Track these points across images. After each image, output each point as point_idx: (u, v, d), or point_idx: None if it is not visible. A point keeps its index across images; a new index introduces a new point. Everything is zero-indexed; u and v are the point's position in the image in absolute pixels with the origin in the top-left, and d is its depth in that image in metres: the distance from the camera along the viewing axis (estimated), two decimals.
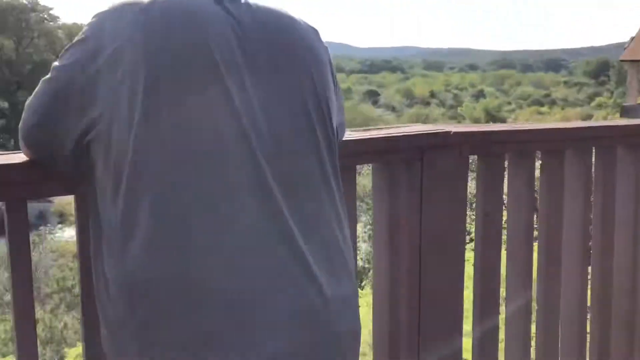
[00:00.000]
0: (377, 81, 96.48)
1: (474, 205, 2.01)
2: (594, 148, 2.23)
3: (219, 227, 1.00)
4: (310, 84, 1.15)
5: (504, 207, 1.99)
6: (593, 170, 2.27)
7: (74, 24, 48.79)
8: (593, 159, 2.26)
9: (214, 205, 1.01)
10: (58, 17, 48.97)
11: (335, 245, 1.14)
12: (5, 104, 42.89)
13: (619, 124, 2.30)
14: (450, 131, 1.75)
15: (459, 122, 62.81)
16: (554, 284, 2.13)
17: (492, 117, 60.75)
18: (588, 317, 2.33)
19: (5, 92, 42.72)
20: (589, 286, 2.29)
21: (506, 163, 2.05)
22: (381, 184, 1.70)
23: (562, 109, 63.65)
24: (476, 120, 60.10)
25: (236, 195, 1.02)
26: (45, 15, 48.07)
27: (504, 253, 2.06)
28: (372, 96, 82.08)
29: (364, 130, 1.68)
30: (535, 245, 2.13)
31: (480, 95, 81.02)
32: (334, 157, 1.19)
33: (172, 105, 1.01)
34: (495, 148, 1.91)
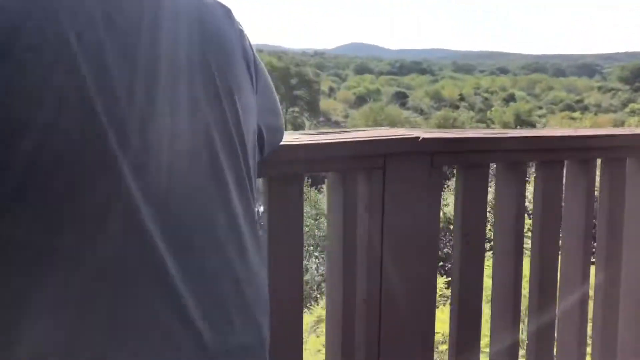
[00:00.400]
0: (406, 83, 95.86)
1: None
2: (599, 160, 1.96)
3: (61, 262, 0.77)
4: (207, 78, 0.91)
5: (487, 227, 1.73)
6: (598, 184, 2.00)
7: None
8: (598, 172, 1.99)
9: (55, 231, 0.77)
10: None
11: (232, 282, 0.90)
12: None
13: (629, 133, 2.01)
14: (419, 136, 1.49)
15: (488, 126, 61.92)
16: (548, 314, 1.86)
17: (522, 122, 59.70)
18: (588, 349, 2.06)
19: None
20: (591, 316, 2.01)
21: (491, 175, 1.80)
22: (336, 196, 1.46)
23: (595, 114, 62.28)
24: (506, 125, 59.10)
25: (83, 219, 0.78)
26: None
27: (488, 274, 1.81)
28: (401, 98, 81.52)
29: (317, 133, 1.44)
30: (526, 268, 1.86)
31: (510, 99, 79.82)
32: (241, 169, 0.95)
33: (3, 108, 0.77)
34: (476, 157, 1.65)
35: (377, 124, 54.95)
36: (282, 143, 1.29)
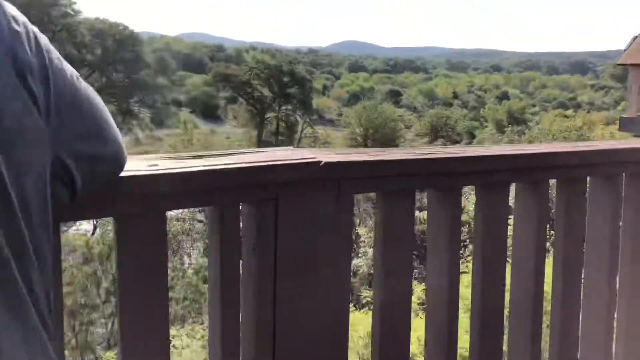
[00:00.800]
0: (400, 81, 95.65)
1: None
2: (555, 180, 1.70)
3: None
4: None
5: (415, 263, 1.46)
6: (554, 208, 1.74)
7: (96, 18, 48.80)
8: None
9: None
10: (80, 12, 48.90)
11: None
12: None
13: (591, 149, 1.74)
14: (321, 161, 1.23)
15: (481, 124, 61.66)
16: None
17: (515, 120, 59.46)
18: None
19: None
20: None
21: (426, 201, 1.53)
22: (215, 236, 1.19)
23: (588, 112, 62.12)
24: (498, 122, 58.86)
25: None
26: (68, 10, 48.20)
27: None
28: (394, 96, 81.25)
29: (189, 157, 1.17)
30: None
31: (504, 97, 79.59)
32: (16, 221, 0.69)
33: None
34: (400, 182, 1.38)
35: (370, 121, 54.60)
36: (135, 172, 1.03)
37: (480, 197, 1.54)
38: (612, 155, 1.75)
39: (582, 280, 1.76)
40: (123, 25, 48.74)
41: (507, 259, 1.62)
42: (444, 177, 1.44)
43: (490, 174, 1.53)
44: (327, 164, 1.22)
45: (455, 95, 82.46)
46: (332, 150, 1.34)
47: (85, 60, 44.84)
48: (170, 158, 1.15)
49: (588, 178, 1.75)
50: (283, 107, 55.76)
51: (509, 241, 1.62)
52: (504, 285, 1.59)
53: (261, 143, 51.45)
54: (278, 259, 1.21)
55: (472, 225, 1.62)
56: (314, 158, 1.23)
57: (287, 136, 54.52)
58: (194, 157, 1.17)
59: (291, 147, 1.30)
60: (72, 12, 48.17)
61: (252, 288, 1.20)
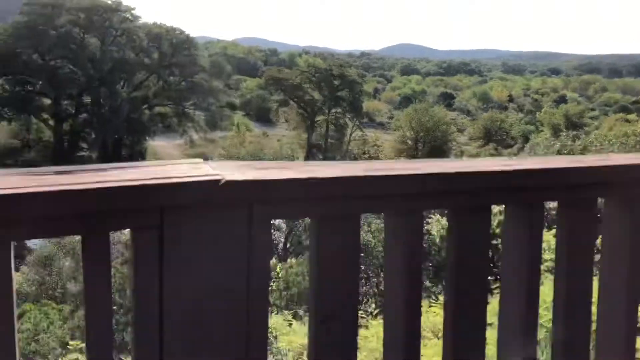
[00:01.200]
0: (453, 84, 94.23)
1: None
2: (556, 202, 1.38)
3: None
4: None
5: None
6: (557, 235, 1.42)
7: (154, 23, 49.79)
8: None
9: None
10: (139, 17, 49.98)
11: None
12: (88, 99, 44.28)
13: (599, 165, 1.41)
14: (221, 179, 0.96)
15: (537, 128, 59.85)
16: None
17: (572, 124, 57.44)
18: None
19: (88, 88, 44.06)
20: None
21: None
22: (83, 268, 0.94)
23: None
24: (555, 127, 56.96)
25: None
26: (128, 15, 49.42)
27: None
28: (447, 99, 80.00)
29: (53, 172, 0.93)
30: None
31: (561, 100, 77.18)
32: None
33: None
34: (336, 205, 1.10)
35: (421, 124, 53.85)
36: None
37: (453, 222, 1.24)
38: (631, 172, 1.42)
39: (592, 329, 1.44)
40: (179, 30, 49.64)
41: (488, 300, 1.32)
42: (400, 199, 1.16)
43: (466, 195, 1.23)
44: (230, 183, 0.96)
45: (511, 99, 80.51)
46: (253, 165, 1.08)
47: (142, 63, 45.84)
48: (25, 174, 0.91)
49: (600, 200, 1.43)
50: (333, 110, 55.63)
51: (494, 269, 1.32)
52: (484, 330, 1.29)
53: (311, 145, 51.38)
54: (165, 304, 0.96)
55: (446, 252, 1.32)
56: (215, 175, 0.97)
57: (336, 139, 54.31)
58: (57, 172, 0.94)
59: (199, 160, 1.05)
60: (131, 18, 49.46)
61: (135, 335, 0.96)
